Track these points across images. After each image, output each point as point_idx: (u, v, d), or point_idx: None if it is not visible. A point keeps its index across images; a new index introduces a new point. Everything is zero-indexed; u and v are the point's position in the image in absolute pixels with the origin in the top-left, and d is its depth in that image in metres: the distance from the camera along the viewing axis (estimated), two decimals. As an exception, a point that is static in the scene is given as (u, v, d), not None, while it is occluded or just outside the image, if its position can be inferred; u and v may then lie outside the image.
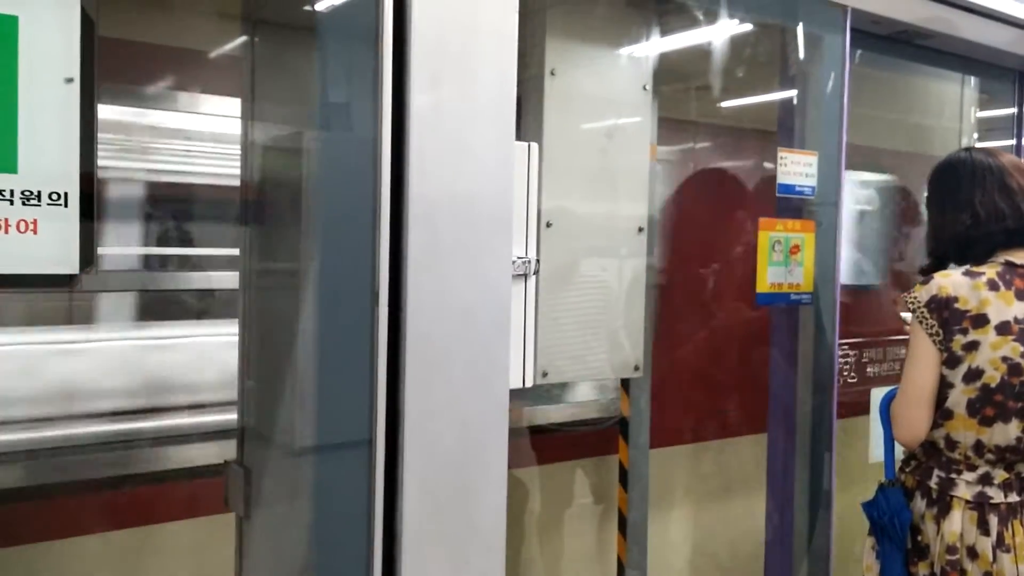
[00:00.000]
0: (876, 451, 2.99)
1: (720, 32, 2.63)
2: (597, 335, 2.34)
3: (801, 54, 2.54)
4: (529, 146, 1.43)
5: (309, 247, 1.49)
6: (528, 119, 2.25)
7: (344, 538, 1.40)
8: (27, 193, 0.97)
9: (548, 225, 2.21)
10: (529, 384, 1.47)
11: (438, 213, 1.28)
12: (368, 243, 1.27)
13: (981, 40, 2.77)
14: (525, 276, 1.44)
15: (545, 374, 2.23)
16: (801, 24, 2.53)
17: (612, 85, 2.30)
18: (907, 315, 2.21)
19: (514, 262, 1.40)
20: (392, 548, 1.27)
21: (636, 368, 2.38)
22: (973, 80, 3.53)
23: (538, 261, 1.45)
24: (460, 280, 1.30)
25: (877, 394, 2.95)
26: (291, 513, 1.61)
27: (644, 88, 2.35)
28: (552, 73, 2.20)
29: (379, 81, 1.23)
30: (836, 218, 2.50)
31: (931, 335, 1.94)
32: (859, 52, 2.72)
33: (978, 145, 2.48)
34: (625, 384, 2.74)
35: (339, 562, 1.43)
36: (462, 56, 1.29)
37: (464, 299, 1.30)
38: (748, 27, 2.66)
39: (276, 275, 1.63)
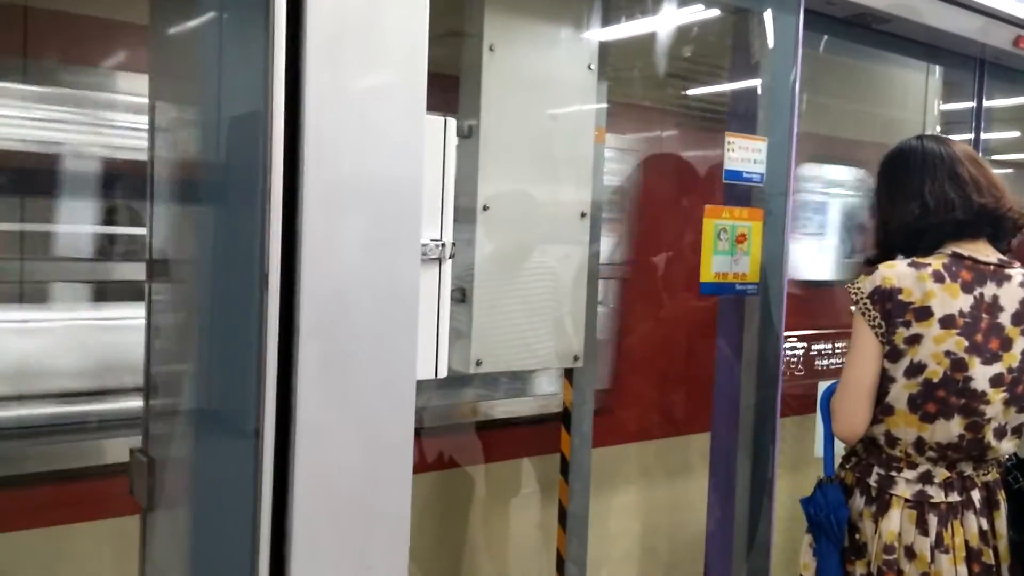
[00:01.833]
0: (820, 446, 2.96)
1: (669, 10, 2.54)
2: (536, 323, 2.26)
3: (753, 35, 2.46)
4: (445, 121, 1.33)
5: (206, 229, 1.38)
6: (466, 97, 2.15)
7: (238, 534, 1.30)
8: None
9: (485, 208, 2.13)
10: (442, 375, 1.38)
11: (337, 192, 1.18)
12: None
13: (940, 26, 2.71)
14: (439, 260, 1.35)
15: (479, 363, 2.15)
16: (754, 4, 2.45)
17: (555, 63, 2.20)
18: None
19: (425, 245, 1.30)
20: (281, 550, 1.18)
21: (576, 358, 2.31)
22: (937, 69, 3.48)
23: (454, 244, 1.36)
24: (361, 264, 1.20)
25: (823, 387, 2.92)
26: (191, 505, 1.51)
27: (589, 68, 2.26)
28: (491, 48, 2.10)
29: (269, 48, 1.13)
30: (785, 207, 2.43)
31: (873, 327, 1.88)
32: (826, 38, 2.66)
33: (929, 132, 2.43)
34: (569, 374, 2.66)
35: (233, 555, 1.34)
36: (365, 20, 1.19)
37: (366, 284, 1.21)
38: (699, 6, 2.58)
39: (178, 258, 1.52)
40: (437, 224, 1.35)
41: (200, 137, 1.44)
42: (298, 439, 1.17)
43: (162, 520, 1.58)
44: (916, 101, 3.60)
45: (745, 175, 2.32)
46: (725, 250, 2.29)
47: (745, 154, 2.30)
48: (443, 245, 1.34)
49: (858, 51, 2.98)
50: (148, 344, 1.64)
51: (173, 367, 1.58)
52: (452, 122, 1.33)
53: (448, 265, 1.36)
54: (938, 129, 3.64)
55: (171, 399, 1.58)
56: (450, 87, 2.15)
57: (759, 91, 2.44)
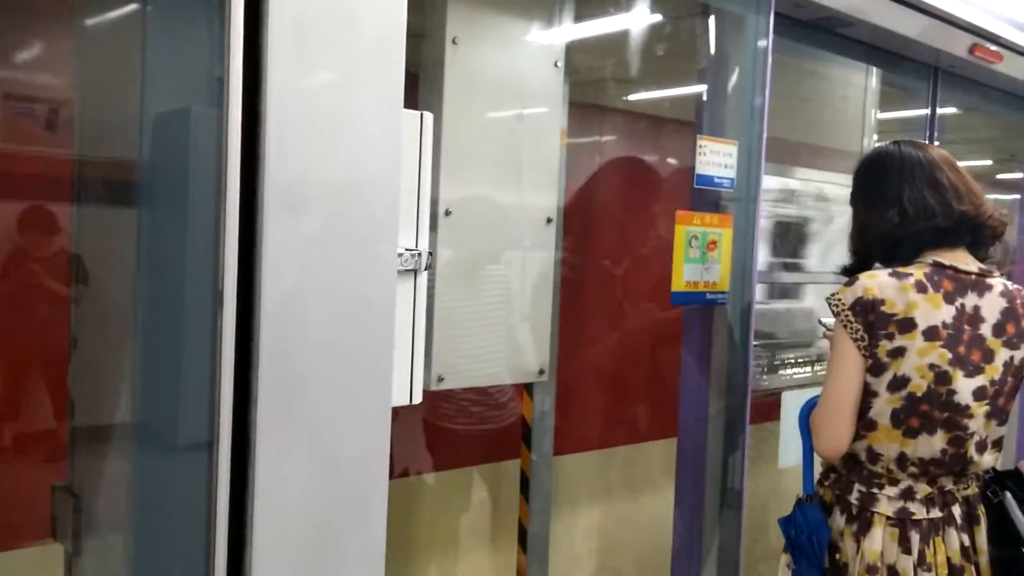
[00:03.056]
0: (785, 456, 2.90)
1: (638, 8, 2.45)
2: (500, 336, 2.13)
3: (721, 36, 2.38)
4: (422, 116, 1.19)
5: (145, 235, 1.22)
6: (426, 93, 2.01)
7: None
8: None
9: (447, 213, 1.99)
10: (417, 400, 1.24)
11: (303, 196, 1.03)
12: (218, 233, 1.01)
13: (900, 30, 2.68)
14: (415, 272, 1.21)
15: (441, 379, 2.01)
16: (724, 4, 2.37)
17: (521, 60, 2.08)
18: (828, 320, 2.08)
19: (401, 255, 1.17)
20: (239, 608, 1.02)
21: (541, 372, 2.19)
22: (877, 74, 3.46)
23: (431, 254, 1.22)
24: (330, 277, 1.06)
25: (789, 397, 2.86)
26: (125, 548, 1.33)
27: (556, 65, 2.14)
28: (454, 42, 1.97)
29: (226, 29, 0.98)
30: (754, 213, 2.36)
31: (855, 340, 1.80)
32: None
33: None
34: (529, 387, 2.54)
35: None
36: (336, 1, 1.05)
37: (335, 301, 1.06)
38: (668, 3, 2.49)
39: (112, 265, 1.35)
40: (413, 231, 1.21)
41: (137, 134, 1.27)
42: (258, 477, 1.02)
43: (91, 567, 1.40)
44: (855, 107, 3.58)
45: (716, 180, 2.23)
46: (696, 258, 2.20)
47: (716, 158, 2.21)
48: (419, 255, 1.20)
49: (801, 53, 2.93)
50: (74, 364, 1.46)
51: (106, 391, 1.40)
52: (429, 117, 1.19)
53: (424, 277, 1.22)
54: (875, 137, 3.64)
55: (102, 428, 1.40)
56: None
57: (728, 93, 2.36)
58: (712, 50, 2.40)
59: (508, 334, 2.14)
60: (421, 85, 2.01)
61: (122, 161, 1.31)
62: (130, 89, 1.22)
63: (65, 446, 1.46)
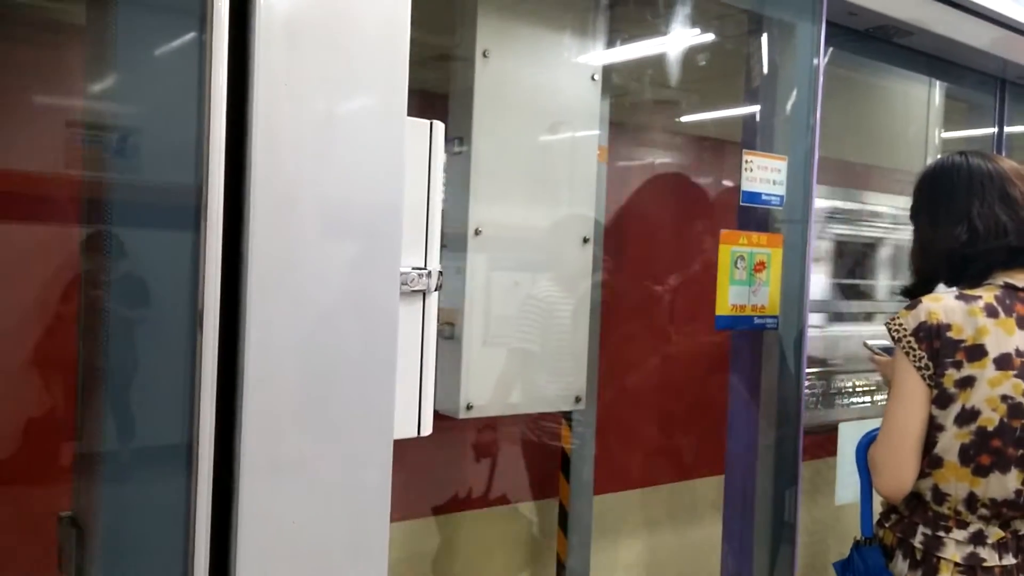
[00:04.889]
0: (843, 492, 2.72)
1: (681, 16, 2.35)
2: (534, 361, 2.03)
3: (771, 46, 2.26)
4: (431, 125, 1.10)
5: (141, 255, 1.15)
6: (456, 109, 1.94)
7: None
8: None
9: (477, 233, 1.91)
10: (426, 433, 1.14)
11: (294, 211, 0.95)
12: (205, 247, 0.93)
13: (964, 40, 2.52)
14: (424, 293, 1.11)
15: (470, 407, 1.92)
16: (772, 11, 2.25)
17: (556, 73, 2.00)
18: (874, 342, 1.94)
19: (406, 274, 1.07)
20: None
21: (578, 400, 2.08)
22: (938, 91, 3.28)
23: (441, 274, 1.13)
24: (324, 299, 0.97)
25: (846, 429, 2.69)
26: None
27: (593, 78, 2.05)
28: (484, 55, 1.89)
29: (209, 31, 0.91)
30: (806, 233, 2.21)
31: (919, 368, 1.65)
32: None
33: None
34: (568, 416, 2.43)
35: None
36: (331, 2, 0.97)
37: (331, 323, 0.98)
38: (713, 10, 2.38)
39: (113, 285, 1.29)
40: (421, 249, 1.12)
41: (134, 150, 1.21)
42: (241, 519, 0.93)
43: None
44: (918, 125, 3.41)
45: (764, 197, 2.10)
46: (742, 280, 2.07)
47: (764, 174, 2.08)
48: (428, 274, 1.11)
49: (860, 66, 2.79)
50: (80, 392, 1.40)
51: (107, 419, 1.34)
52: (440, 126, 1.11)
53: (434, 298, 1.13)
54: (938, 154, 3.45)
55: (104, 456, 1.33)
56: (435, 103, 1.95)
57: (777, 107, 2.23)
58: (762, 62, 2.28)
59: (542, 360, 2.03)
60: (451, 100, 1.94)
61: (126, 179, 1.26)
62: (105, 96, 1.16)
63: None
